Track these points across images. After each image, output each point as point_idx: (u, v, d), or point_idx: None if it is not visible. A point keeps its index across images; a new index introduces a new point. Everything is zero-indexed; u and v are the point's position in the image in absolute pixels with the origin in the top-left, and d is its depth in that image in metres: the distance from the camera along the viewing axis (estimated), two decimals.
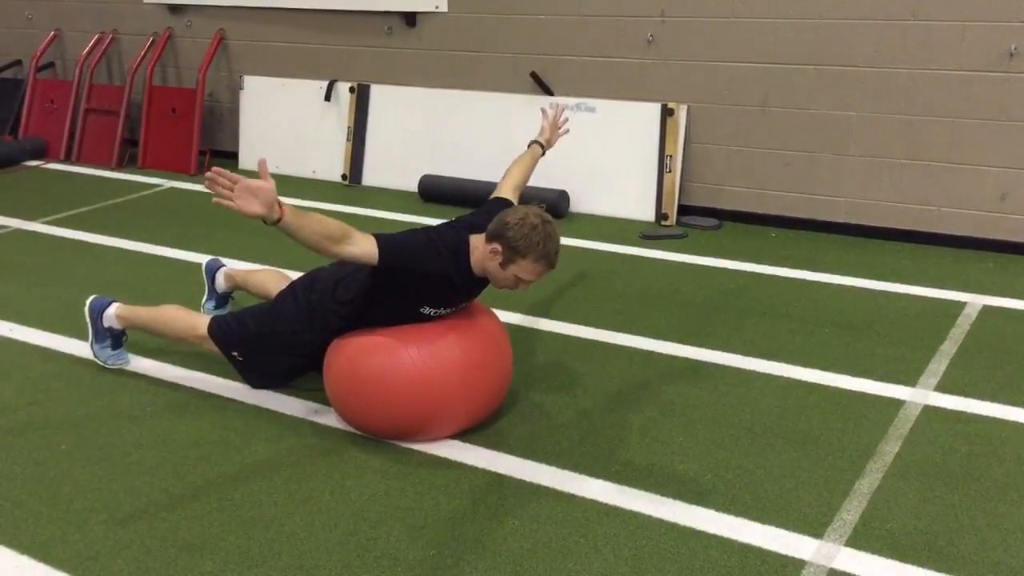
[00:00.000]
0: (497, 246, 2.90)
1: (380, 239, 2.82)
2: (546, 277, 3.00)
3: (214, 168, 2.59)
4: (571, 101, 5.48)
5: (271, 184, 2.59)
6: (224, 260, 4.08)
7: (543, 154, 3.59)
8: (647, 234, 5.10)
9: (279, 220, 2.62)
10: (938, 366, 3.51)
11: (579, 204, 5.50)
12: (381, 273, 2.90)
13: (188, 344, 3.47)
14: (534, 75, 5.56)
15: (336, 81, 6.23)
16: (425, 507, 2.70)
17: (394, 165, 6.07)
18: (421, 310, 3.01)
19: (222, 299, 3.97)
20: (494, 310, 3.27)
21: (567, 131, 3.70)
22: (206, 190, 2.60)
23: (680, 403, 3.28)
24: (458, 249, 2.97)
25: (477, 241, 2.97)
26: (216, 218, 5.52)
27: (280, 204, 2.62)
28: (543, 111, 3.70)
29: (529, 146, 3.57)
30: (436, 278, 2.93)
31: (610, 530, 2.59)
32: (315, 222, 2.71)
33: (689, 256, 4.77)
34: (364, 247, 2.78)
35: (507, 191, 3.35)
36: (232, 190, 2.57)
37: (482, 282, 3.08)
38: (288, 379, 3.40)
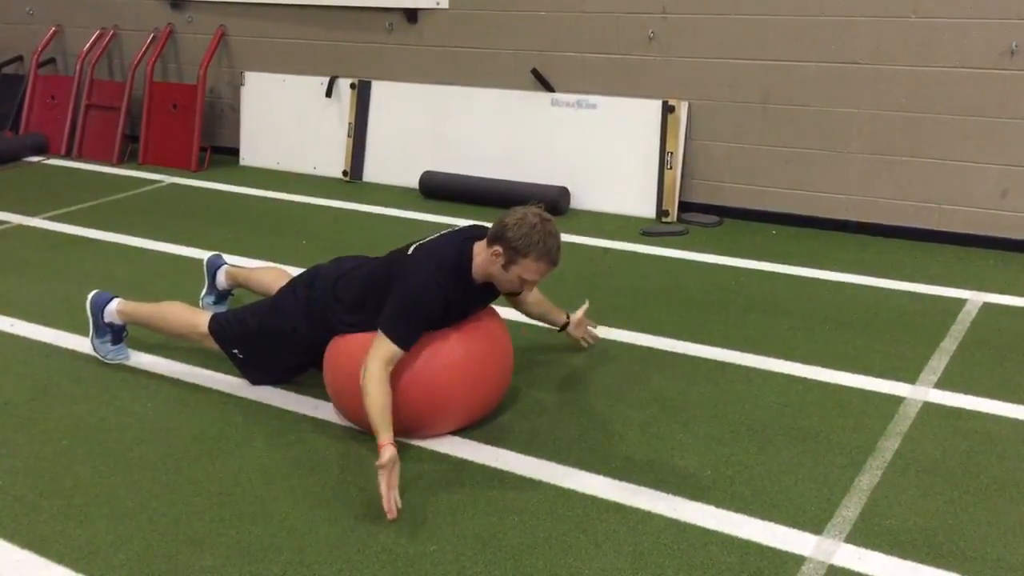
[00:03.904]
0: (498, 248, 2.90)
1: (391, 334, 2.82)
2: (549, 275, 3.00)
3: (393, 506, 2.59)
4: (572, 98, 5.49)
5: (397, 464, 2.64)
6: (225, 257, 4.07)
7: (559, 327, 3.56)
8: (648, 231, 5.10)
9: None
10: (938, 363, 3.51)
11: (580, 201, 5.50)
12: (384, 284, 2.95)
13: (188, 340, 3.49)
14: (535, 72, 5.56)
15: (337, 77, 6.23)
16: (425, 502, 2.71)
17: (395, 161, 6.07)
18: None
19: (222, 295, 3.97)
20: (495, 307, 3.28)
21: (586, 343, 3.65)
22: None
23: (680, 399, 3.28)
24: (459, 266, 2.96)
25: (479, 247, 2.98)
26: (216, 214, 5.54)
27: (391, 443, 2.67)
28: (589, 329, 3.66)
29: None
30: (437, 308, 2.93)
31: (610, 526, 2.59)
32: (376, 404, 2.74)
33: (690, 253, 4.77)
34: (393, 355, 2.81)
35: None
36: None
37: (489, 291, 3.08)
38: (288, 376, 3.41)
